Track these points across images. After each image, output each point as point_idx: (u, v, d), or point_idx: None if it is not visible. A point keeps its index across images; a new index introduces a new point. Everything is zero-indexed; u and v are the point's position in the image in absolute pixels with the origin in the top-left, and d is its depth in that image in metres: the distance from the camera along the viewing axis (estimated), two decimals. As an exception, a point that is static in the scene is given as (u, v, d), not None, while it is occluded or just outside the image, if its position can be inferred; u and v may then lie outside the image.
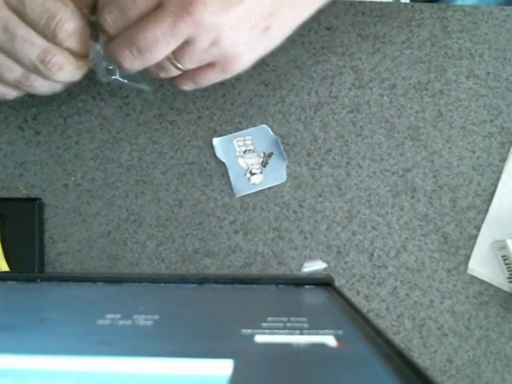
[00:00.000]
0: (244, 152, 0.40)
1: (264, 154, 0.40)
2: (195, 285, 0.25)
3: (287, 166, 0.40)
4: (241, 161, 0.40)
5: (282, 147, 0.40)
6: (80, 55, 0.32)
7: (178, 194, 0.40)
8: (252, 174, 0.39)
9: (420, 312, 0.38)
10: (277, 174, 0.40)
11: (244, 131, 0.40)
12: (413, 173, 0.40)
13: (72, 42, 0.30)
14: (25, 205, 0.38)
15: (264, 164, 0.40)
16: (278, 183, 0.40)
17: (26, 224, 0.38)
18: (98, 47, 0.32)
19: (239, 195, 0.39)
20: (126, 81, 0.34)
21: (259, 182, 0.39)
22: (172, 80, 0.34)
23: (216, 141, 0.40)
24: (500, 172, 0.40)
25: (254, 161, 0.40)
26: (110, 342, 0.16)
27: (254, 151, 0.40)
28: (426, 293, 0.38)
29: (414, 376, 0.12)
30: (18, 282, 0.25)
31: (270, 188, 0.40)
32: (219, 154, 0.40)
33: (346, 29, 0.41)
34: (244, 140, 0.40)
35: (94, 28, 0.31)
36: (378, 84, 0.40)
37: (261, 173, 0.40)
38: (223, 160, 0.40)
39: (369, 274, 0.39)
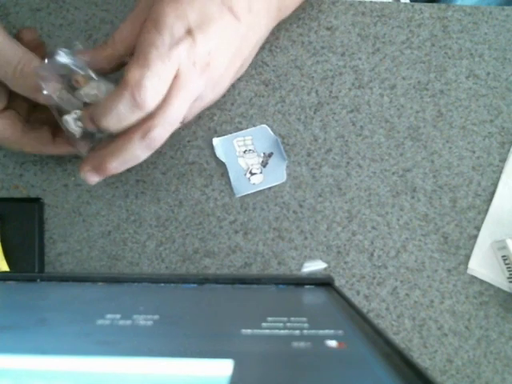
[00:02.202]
0: (244, 152, 0.40)
1: (264, 154, 0.40)
2: (195, 285, 0.25)
3: (287, 166, 0.40)
4: (241, 161, 0.40)
5: (282, 147, 0.40)
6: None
7: (178, 193, 0.39)
8: (252, 173, 0.39)
9: (420, 312, 0.38)
10: (277, 174, 0.40)
11: (244, 131, 0.40)
12: (413, 173, 0.40)
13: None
14: (25, 205, 0.38)
15: (264, 164, 0.40)
16: (277, 183, 0.39)
17: (26, 224, 0.38)
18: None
19: (239, 195, 0.39)
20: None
21: (259, 181, 0.39)
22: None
23: (216, 141, 0.40)
24: (500, 172, 0.39)
25: (254, 161, 0.40)
26: (110, 342, 0.16)
27: (254, 151, 0.40)
28: (426, 293, 0.38)
29: (414, 376, 0.12)
30: (17, 281, 0.25)
31: (270, 188, 0.39)
32: (219, 153, 0.40)
33: (346, 29, 0.41)
34: (244, 140, 0.40)
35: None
36: (378, 84, 0.40)
37: (261, 173, 0.40)
38: (223, 160, 0.40)
39: (369, 274, 0.39)
